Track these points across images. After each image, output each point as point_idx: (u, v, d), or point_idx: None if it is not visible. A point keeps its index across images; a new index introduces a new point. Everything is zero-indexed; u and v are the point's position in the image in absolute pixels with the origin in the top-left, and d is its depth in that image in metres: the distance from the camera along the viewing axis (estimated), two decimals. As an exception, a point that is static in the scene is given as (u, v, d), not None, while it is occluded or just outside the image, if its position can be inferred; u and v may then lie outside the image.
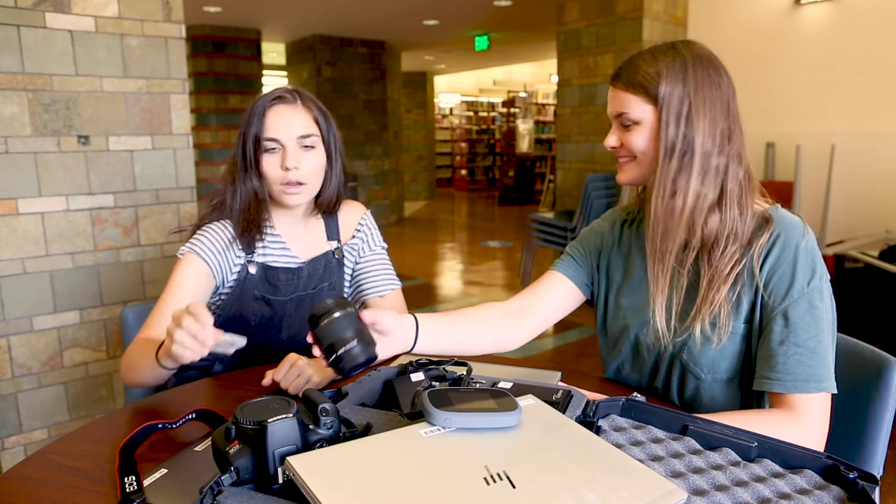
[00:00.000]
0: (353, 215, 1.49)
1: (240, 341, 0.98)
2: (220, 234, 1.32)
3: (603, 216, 1.29)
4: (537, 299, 1.22)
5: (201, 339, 0.93)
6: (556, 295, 1.23)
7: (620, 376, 1.22)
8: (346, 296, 1.47)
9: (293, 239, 1.40)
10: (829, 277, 1.03)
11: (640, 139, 1.06)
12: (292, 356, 1.15)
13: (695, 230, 1.03)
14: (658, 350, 1.13)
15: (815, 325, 0.98)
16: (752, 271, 1.02)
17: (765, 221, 1.03)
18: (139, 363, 1.13)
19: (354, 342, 0.87)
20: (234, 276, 1.33)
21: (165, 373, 1.10)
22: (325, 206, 1.40)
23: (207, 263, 1.29)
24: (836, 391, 0.98)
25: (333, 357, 0.87)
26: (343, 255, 1.45)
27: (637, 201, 1.22)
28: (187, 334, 0.93)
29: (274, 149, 1.29)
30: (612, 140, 1.10)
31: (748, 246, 1.02)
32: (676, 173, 1.02)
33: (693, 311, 1.05)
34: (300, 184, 1.30)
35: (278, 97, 1.31)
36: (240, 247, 1.33)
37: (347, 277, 1.47)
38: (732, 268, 1.02)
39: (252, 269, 1.33)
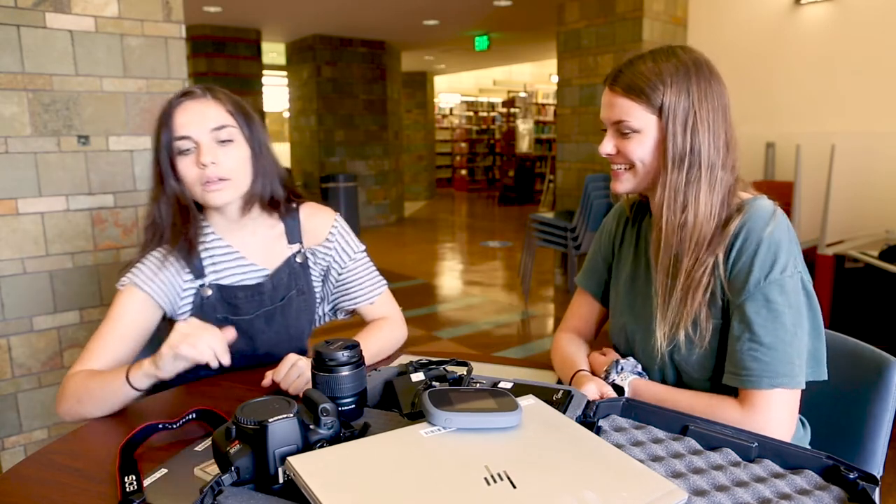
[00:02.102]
0: (321, 221, 1.38)
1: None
2: (160, 260, 1.22)
3: (611, 213, 1.29)
4: (587, 325, 1.30)
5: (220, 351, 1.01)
6: (596, 315, 1.30)
7: None
8: (319, 299, 1.39)
9: (247, 247, 1.30)
10: (801, 268, 0.99)
11: (640, 148, 1.03)
12: (291, 356, 1.14)
13: (702, 242, 1.01)
14: (652, 353, 1.12)
15: (772, 321, 0.95)
16: (718, 265, 1.01)
17: (735, 213, 1.02)
18: (96, 393, 1.08)
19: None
20: (189, 302, 1.25)
21: (131, 397, 1.08)
22: (265, 204, 1.28)
23: (149, 294, 1.20)
24: (796, 386, 0.95)
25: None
26: (306, 258, 1.35)
27: (630, 200, 1.22)
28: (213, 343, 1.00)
29: (188, 149, 1.18)
30: (608, 147, 1.07)
31: (716, 240, 1.01)
32: (686, 186, 1.01)
33: (674, 317, 1.04)
34: (221, 180, 1.19)
35: (185, 94, 1.22)
36: (187, 269, 1.24)
37: (316, 280, 1.38)
38: (704, 270, 1.01)
39: (208, 292, 1.25)
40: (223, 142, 1.20)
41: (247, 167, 1.24)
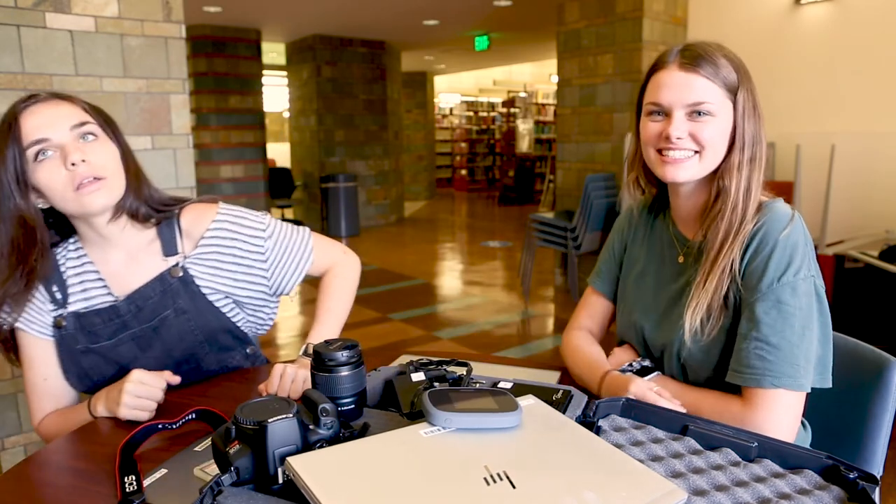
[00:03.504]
0: (201, 219, 1.22)
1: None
2: (23, 295, 1.11)
3: (622, 215, 1.29)
4: (599, 324, 1.30)
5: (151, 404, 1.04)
6: (609, 315, 1.30)
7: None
8: (227, 306, 1.24)
9: (109, 266, 1.17)
10: (814, 272, 0.99)
11: (715, 132, 1.01)
12: (279, 366, 1.11)
13: (736, 230, 1.02)
14: (663, 346, 1.12)
15: (781, 321, 0.96)
16: (733, 265, 1.01)
17: (756, 212, 1.02)
18: (71, 426, 1.10)
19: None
20: (51, 335, 1.15)
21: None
22: (134, 214, 1.14)
23: (36, 335, 1.15)
24: (800, 389, 0.95)
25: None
26: (186, 271, 1.18)
27: (649, 196, 1.21)
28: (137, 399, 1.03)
29: (45, 151, 1.03)
30: (681, 129, 1.00)
31: (738, 237, 1.01)
32: (751, 172, 1.02)
33: (695, 306, 1.03)
34: (97, 179, 1.05)
35: (29, 97, 1.07)
36: (49, 299, 1.14)
37: (214, 294, 1.21)
38: (731, 257, 1.01)
39: (62, 323, 1.14)
40: (86, 137, 1.07)
41: (118, 164, 1.11)
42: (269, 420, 0.73)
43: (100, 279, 1.17)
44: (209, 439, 0.81)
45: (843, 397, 1.15)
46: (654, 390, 0.99)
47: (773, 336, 0.95)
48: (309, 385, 1.08)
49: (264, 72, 8.12)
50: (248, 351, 1.30)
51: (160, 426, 0.96)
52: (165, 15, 2.21)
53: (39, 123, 1.04)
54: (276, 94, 11.91)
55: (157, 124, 2.23)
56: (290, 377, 1.09)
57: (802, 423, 1.13)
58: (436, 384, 0.98)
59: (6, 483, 0.88)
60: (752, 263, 0.99)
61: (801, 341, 0.96)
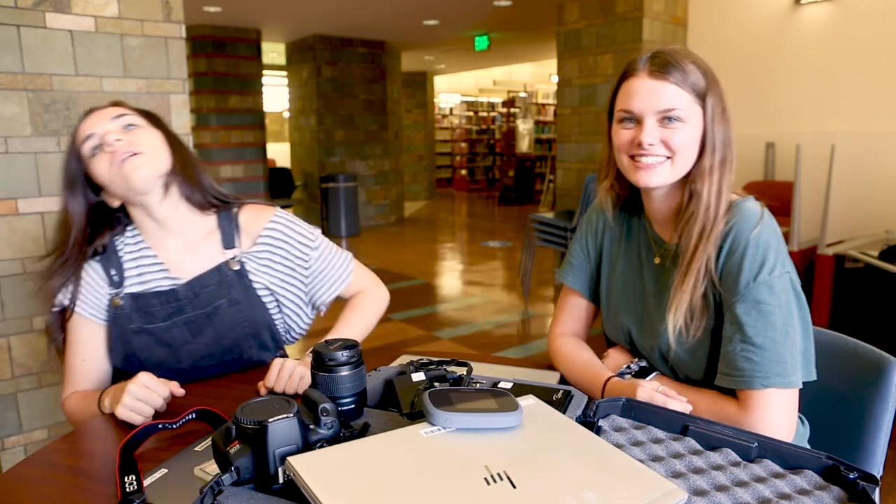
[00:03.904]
0: (259, 219, 1.31)
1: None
2: (81, 276, 1.21)
3: (591, 211, 1.27)
4: (583, 325, 1.29)
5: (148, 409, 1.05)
6: (590, 314, 1.30)
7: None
8: (274, 310, 1.31)
9: (170, 252, 1.25)
10: (789, 269, 0.99)
11: (685, 138, 1.02)
12: (277, 361, 1.14)
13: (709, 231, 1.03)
14: (650, 348, 1.13)
15: (762, 321, 0.96)
16: (710, 262, 1.02)
17: (726, 212, 1.03)
18: (86, 415, 1.15)
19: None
20: (106, 314, 1.22)
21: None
22: (194, 201, 1.25)
23: (87, 317, 1.21)
24: (790, 386, 0.95)
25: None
26: (242, 265, 1.27)
27: (607, 199, 1.21)
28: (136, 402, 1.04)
29: (95, 147, 1.16)
30: (653, 136, 1.02)
31: (707, 241, 1.02)
32: (722, 174, 1.03)
33: (675, 308, 1.04)
34: (134, 154, 1.15)
35: (84, 114, 1.21)
36: (107, 281, 1.22)
37: (263, 291, 1.29)
38: (707, 257, 1.02)
39: (119, 303, 1.21)
40: (127, 127, 1.18)
41: (161, 145, 1.21)
42: (270, 420, 0.73)
43: (158, 263, 1.24)
44: (209, 439, 0.81)
45: (843, 397, 1.15)
46: (659, 390, 1.00)
47: (757, 336, 0.96)
48: (308, 382, 1.10)
49: (264, 72, 8.12)
50: (279, 354, 1.33)
51: (160, 426, 0.96)
52: (165, 15, 2.21)
53: (88, 125, 1.18)
54: (276, 94, 11.91)
55: (157, 124, 2.23)
56: (289, 371, 1.11)
57: (800, 418, 1.13)
58: (436, 384, 0.98)
59: (6, 483, 0.88)
60: (728, 264, 1.00)
61: (785, 338, 0.96)
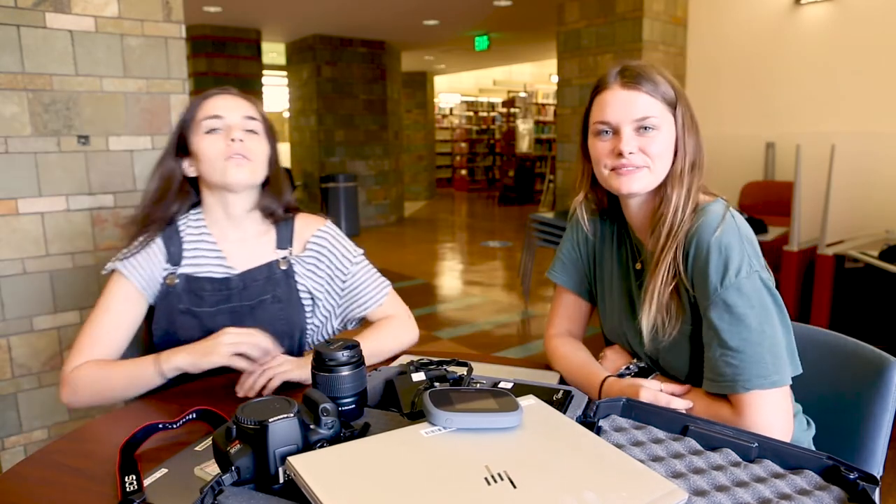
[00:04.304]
0: (310, 227, 1.38)
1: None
2: (144, 244, 1.26)
3: (575, 220, 1.26)
4: (578, 325, 1.30)
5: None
6: (585, 313, 1.30)
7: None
8: (308, 314, 1.36)
9: (229, 243, 1.31)
10: (758, 267, 0.98)
11: (661, 145, 1.05)
12: (253, 370, 1.14)
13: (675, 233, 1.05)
14: (641, 351, 1.15)
15: (736, 324, 0.96)
16: (678, 268, 1.02)
17: (691, 216, 1.04)
18: (119, 383, 1.14)
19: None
20: (159, 289, 1.26)
21: (154, 386, 1.15)
22: (271, 211, 1.33)
23: (135, 285, 1.23)
24: (777, 385, 0.94)
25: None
26: (291, 266, 1.33)
27: (582, 211, 1.22)
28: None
29: (216, 128, 1.23)
30: (632, 144, 1.04)
31: (673, 242, 1.03)
32: (693, 178, 1.06)
33: (645, 313, 1.06)
34: (246, 158, 1.23)
35: (220, 89, 1.29)
36: (166, 257, 1.26)
37: (305, 294, 1.34)
38: (673, 257, 1.03)
39: (174, 281, 1.25)
40: (250, 131, 1.25)
41: (265, 159, 1.29)
42: (270, 420, 0.73)
43: (216, 251, 1.29)
44: (210, 439, 0.81)
45: (843, 397, 1.15)
46: (662, 390, 1.00)
47: (732, 340, 0.96)
48: (282, 379, 1.13)
49: (264, 72, 8.13)
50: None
51: (160, 426, 0.96)
52: (165, 15, 2.21)
53: (220, 104, 1.25)
54: (276, 94, 11.91)
55: (157, 124, 2.23)
56: (259, 373, 1.13)
57: (806, 419, 1.14)
58: (436, 384, 0.98)
59: (6, 483, 0.88)
60: (695, 269, 1.00)
61: (762, 338, 0.95)
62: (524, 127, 12.89)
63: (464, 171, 15.00)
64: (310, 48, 8.27)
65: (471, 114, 15.14)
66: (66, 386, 1.16)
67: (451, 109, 15.22)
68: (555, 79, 5.64)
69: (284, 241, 1.35)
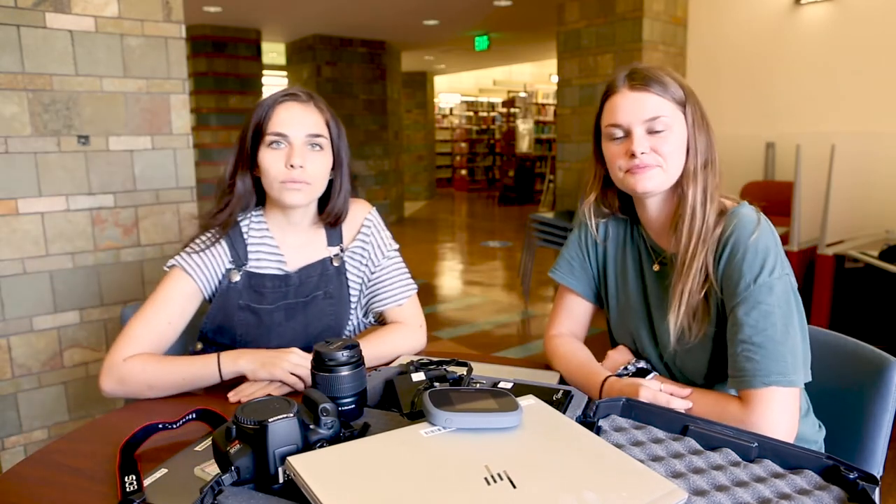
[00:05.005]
0: (355, 216, 1.39)
1: None
2: (209, 242, 1.27)
3: (584, 213, 1.25)
4: (580, 325, 1.31)
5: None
6: (588, 313, 1.31)
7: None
8: (353, 304, 1.38)
9: (287, 241, 1.32)
10: (788, 271, 1.01)
11: (672, 145, 1.06)
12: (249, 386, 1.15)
13: (701, 234, 1.06)
14: (656, 354, 1.15)
15: (762, 321, 0.97)
16: (707, 271, 1.04)
17: (720, 217, 1.06)
18: (175, 380, 1.15)
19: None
20: (219, 285, 1.28)
21: (210, 384, 1.16)
22: (332, 218, 1.34)
23: (196, 283, 1.24)
24: (790, 385, 0.95)
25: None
26: (343, 262, 1.36)
27: (590, 214, 1.22)
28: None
29: (278, 143, 1.22)
30: (644, 145, 1.05)
31: (707, 244, 1.04)
32: (706, 177, 1.07)
33: (673, 314, 1.06)
34: (305, 183, 1.23)
35: (290, 94, 1.26)
36: (230, 258, 1.27)
37: (355, 286, 1.37)
38: (704, 261, 1.04)
39: (235, 277, 1.27)
40: (314, 145, 1.24)
41: (326, 176, 1.29)
42: (270, 420, 0.73)
43: (277, 253, 1.30)
44: (209, 439, 0.81)
45: (842, 397, 1.15)
46: (662, 390, 1.01)
47: (757, 336, 0.97)
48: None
49: (264, 72, 8.12)
50: None
51: (160, 426, 0.96)
52: (165, 15, 2.21)
53: (286, 119, 1.22)
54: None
55: (157, 124, 2.23)
56: (251, 389, 1.14)
57: (818, 423, 1.14)
58: (436, 384, 0.98)
59: (6, 482, 0.88)
60: (728, 269, 1.02)
61: (786, 338, 0.97)
62: (524, 127, 12.89)
63: (464, 171, 15.00)
64: (310, 48, 8.26)
65: (471, 114, 15.13)
66: (111, 375, 1.15)
67: (451, 109, 15.22)
68: (555, 79, 5.64)
69: (335, 237, 1.37)
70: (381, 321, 1.42)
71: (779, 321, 0.97)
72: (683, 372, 1.11)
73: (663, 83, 1.06)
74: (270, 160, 1.22)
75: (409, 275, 1.42)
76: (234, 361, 1.15)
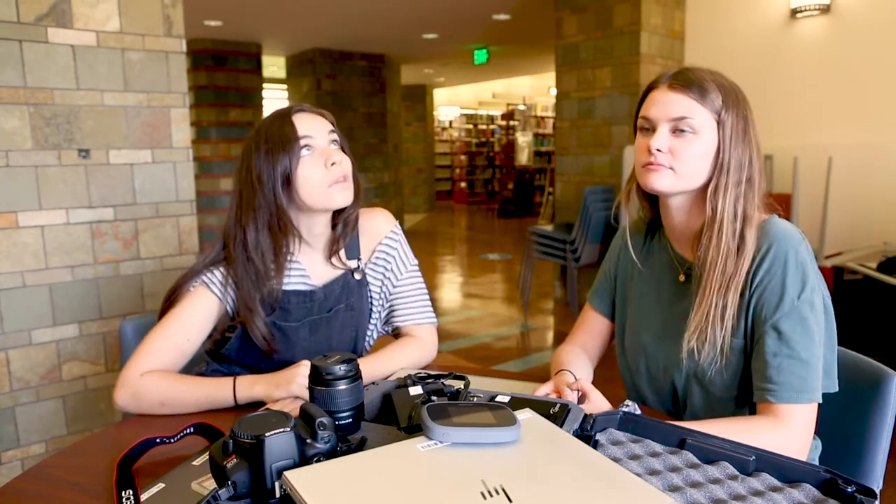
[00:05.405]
0: (378, 227, 1.38)
1: None
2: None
3: (619, 232, 1.29)
4: (594, 340, 1.30)
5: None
6: (605, 332, 1.31)
7: (640, 395, 1.22)
8: (374, 317, 1.38)
9: (309, 257, 1.31)
10: (824, 288, 1.03)
11: (692, 149, 1.04)
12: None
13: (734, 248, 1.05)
14: (675, 369, 1.12)
15: (807, 338, 0.99)
16: (742, 284, 1.03)
17: (757, 232, 1.04)
18: (188, 399, 1.13)
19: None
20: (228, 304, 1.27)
21: (224, 406, 1.14)
22: (351, 226, 1.33)
23: (221, 301, 1.24)
24: (821, 401, 1.00)
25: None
26: (365, 276, 1.35)
27: (645, 216, 1.23)
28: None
29: (309, 148, 1.20)
30: (662, 142, 1.04)
31: (739, 258, 1.03)
32: (739, 195, 1.04)
33: (694, 328, 1.05)
34: (346, 178, 1.21)
35: (296, 108, 1.26)
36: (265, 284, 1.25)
37: (376, 298, 1.37)
38: (738, 276, 1.03)
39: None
40: (333, 144, 1.24)
41: (354, 175, 1.27)
42: (267, 434, 0.73)
43: (302, 271, 1.29)
44: (206, 453, 0.81)
45: (842, 410, 1.15)
46: (571, 387, 1.04)
47: (804, 352, 0.98)
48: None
49: (265, 85, 8.16)
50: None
51: (158, 440, 0.96)
52: (166, 29, 2.23)
53: (307, 125, 1.21)
54: (276, 107, 11.95)
55: (157, 138, 2.25)
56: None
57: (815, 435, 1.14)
58: (434, 398, 0.98)
59: (3, 497, 0.88)
60: (769, 283, 1.01)
61: (821, 354, 1.00)
62: (523, 139, 12.94)
63: (463, 184, 15.03)
64: (310, 62, 8.31)
65: (470, 126, 15.19)
66: (127, 389, 1.14)
67: (450, 122, 15.28)
68: (553, 92, 5.67)
69: (353, 249, 1.35)
70: (396, 334, 1.42)
71: (817, 338, 0.99)
72: (709, 388, 1.09)
73: (704, 89, 1.04)
74: (309, 170, 1.19)
75: (429, 303, 1.41)
76: (251, 388, 1.14)
